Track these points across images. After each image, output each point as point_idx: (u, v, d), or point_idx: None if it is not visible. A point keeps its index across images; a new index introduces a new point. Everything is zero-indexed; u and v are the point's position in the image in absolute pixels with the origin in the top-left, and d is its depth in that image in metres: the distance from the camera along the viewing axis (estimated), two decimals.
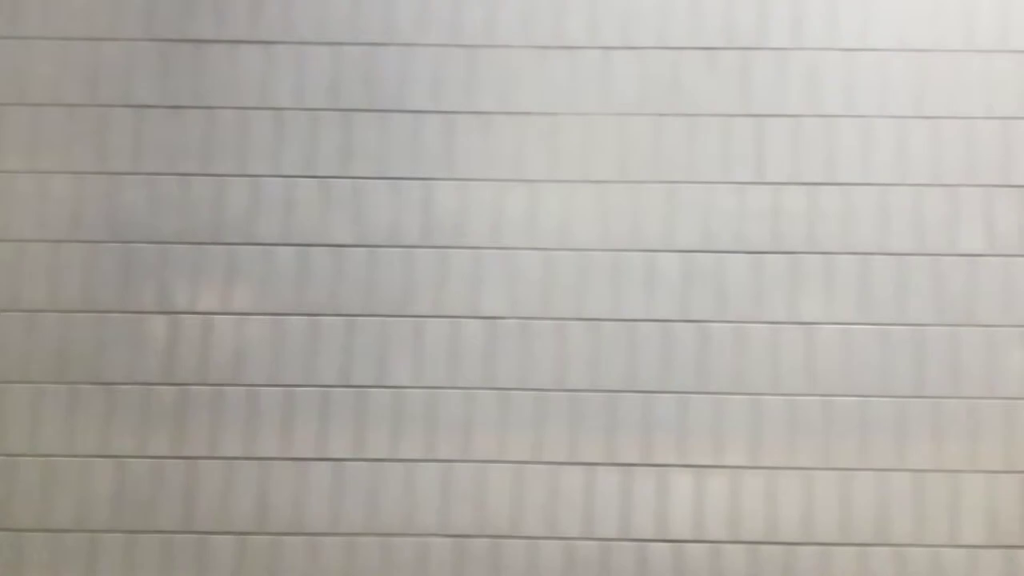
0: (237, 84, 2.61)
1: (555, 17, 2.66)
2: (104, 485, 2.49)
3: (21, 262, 2.54)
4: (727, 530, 2.47)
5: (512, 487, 2.48)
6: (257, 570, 2.46)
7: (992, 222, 2.58)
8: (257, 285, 2.54)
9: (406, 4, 2.65)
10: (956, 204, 2.58)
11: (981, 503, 2.47)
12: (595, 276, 2.57)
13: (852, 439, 2.50)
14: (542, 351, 2.54)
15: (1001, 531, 2.46)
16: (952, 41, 2.62)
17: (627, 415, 2.51)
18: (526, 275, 2.57)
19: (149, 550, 2.47)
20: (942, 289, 2.56)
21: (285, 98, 2.61)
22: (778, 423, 2.52)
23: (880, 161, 2.60)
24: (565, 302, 2.57)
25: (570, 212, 2.60)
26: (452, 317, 2.54)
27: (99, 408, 2.50)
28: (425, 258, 2.57)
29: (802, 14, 2.65)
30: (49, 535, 2.47)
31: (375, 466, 2.49)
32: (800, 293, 2.56)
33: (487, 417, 2.51)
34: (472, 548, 2.47)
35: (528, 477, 2.49)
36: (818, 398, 2.52)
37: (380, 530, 2.48)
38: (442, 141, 2.62)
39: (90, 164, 2.57)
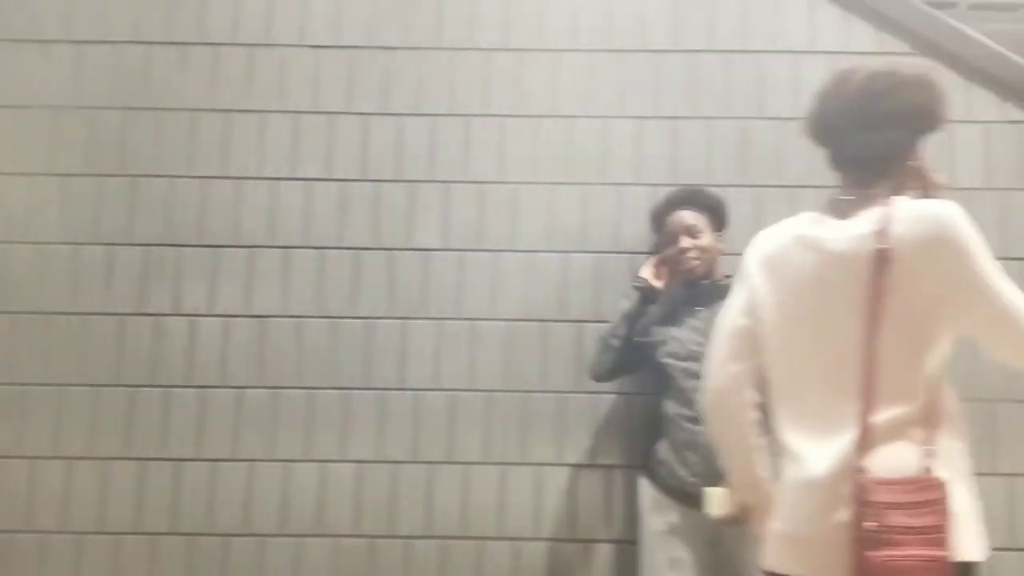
0: None
1: (29, 9, 2.67)
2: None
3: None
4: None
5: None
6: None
7: (447, 217, 2.64)
8: None
9: None
10: (413, 199, 2.64)
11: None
12: (53, 270, 2.58)
13: (299, 430, 2.55)
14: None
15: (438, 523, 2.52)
16: (421, 39, 2.70)
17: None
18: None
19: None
20: (394, 282, 2.61)
21: None
22: (226, 415, 2.55)
23: (342, 157, 2.65)
24: (22, 296, 2.57)
25: (33, 205, 2.60)
26: None
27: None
28: None
29: (273, 11, 2.69)
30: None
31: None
32: (256, 286, 2.60)
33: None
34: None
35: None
36: (266, 390, 2.56)
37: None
38: None
39: None
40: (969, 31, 2.63)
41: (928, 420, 1.62)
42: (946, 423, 1.64)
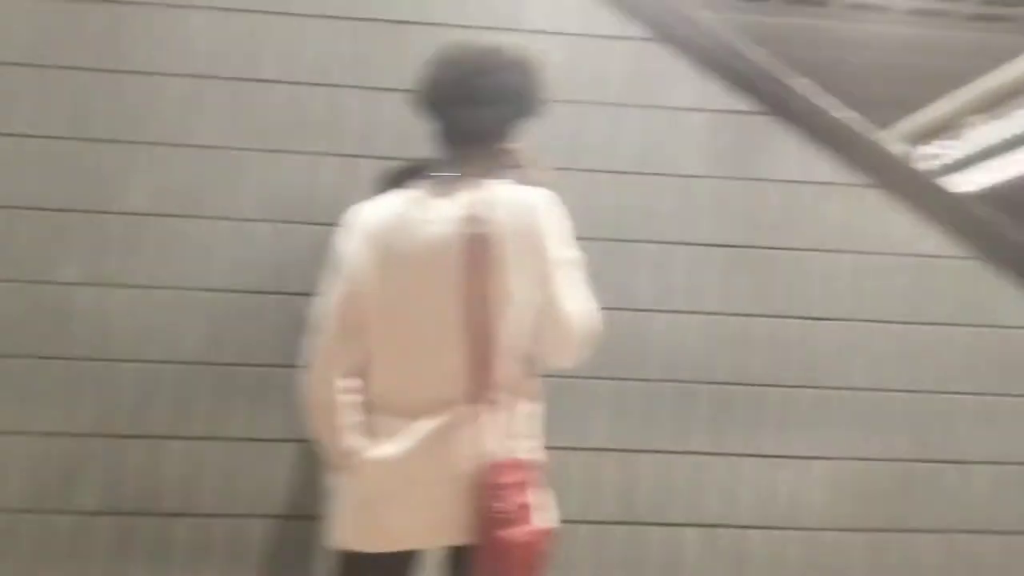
0: None
1: None
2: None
3: None
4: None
5: None
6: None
7: (161, 181, 2.53)
8: None
9: None
10: (128, 161, 2.52)
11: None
12: None
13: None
14: None
15: None
16: None
17: None
18: None
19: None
20: (99, 247, 2.49)
21: None
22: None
23: (54, 114, 2.52)
24: None
25: None
26: None
27: None
28: None
29: None
30: None
31: None
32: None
33: None
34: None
35: None
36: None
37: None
38: None
39: None
40: (701, 20, 2.66)
41: (518, 399, 1.69)
42: (529, 401, 1.71)
